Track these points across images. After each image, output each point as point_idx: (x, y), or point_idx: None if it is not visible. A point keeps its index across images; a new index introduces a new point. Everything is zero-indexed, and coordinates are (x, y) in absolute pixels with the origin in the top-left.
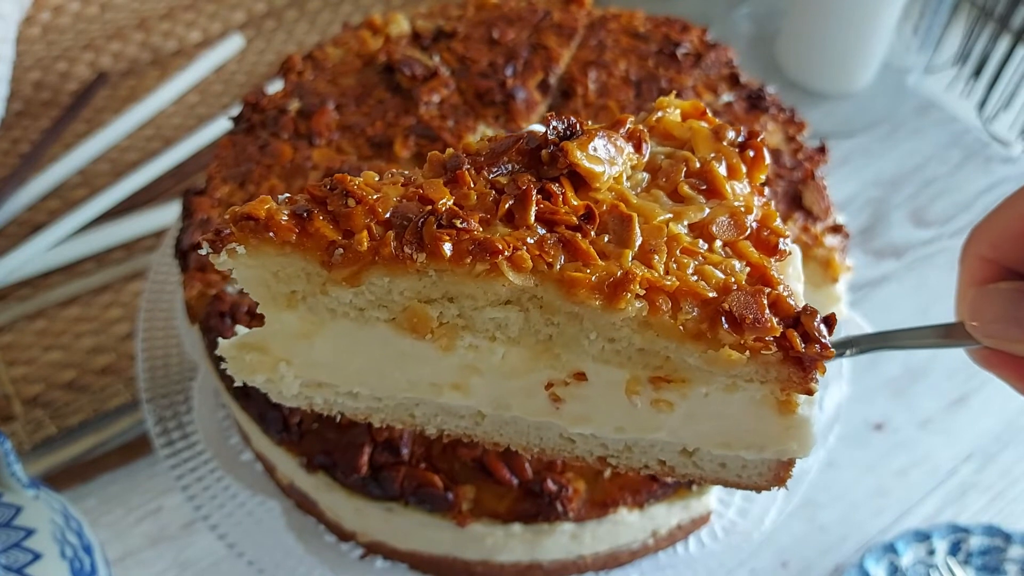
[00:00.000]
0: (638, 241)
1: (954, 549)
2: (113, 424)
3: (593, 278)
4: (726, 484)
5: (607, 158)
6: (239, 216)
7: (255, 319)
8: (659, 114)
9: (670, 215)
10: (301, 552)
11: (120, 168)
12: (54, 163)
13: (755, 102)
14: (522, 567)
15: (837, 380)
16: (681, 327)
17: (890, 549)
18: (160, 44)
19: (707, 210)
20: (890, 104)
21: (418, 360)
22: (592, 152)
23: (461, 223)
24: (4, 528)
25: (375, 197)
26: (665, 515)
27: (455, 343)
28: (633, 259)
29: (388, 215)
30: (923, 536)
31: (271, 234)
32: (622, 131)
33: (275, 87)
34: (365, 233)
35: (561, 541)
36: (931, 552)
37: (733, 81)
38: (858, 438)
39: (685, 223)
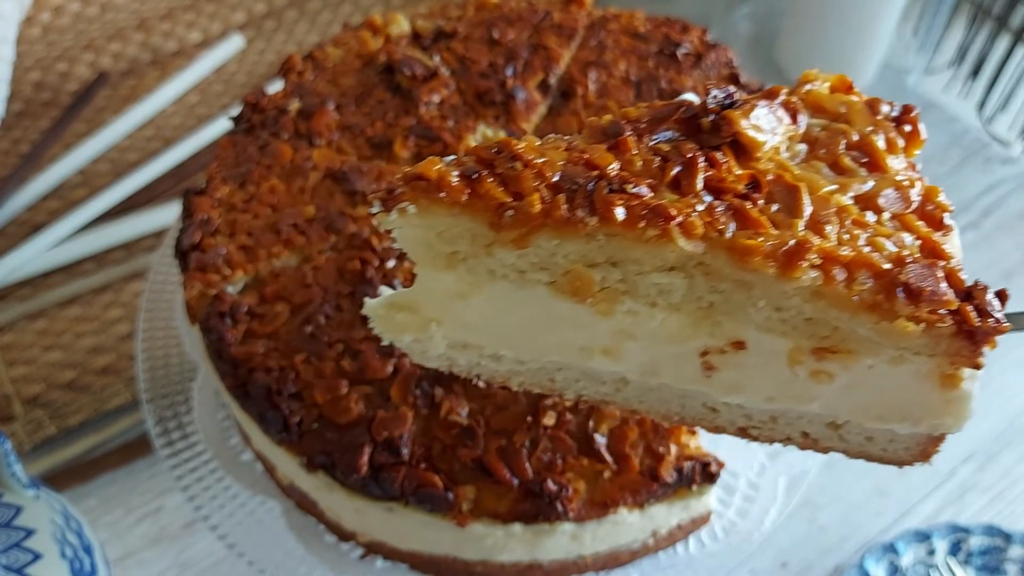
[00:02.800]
0: (807, 211)
1: (954, 549)
2: (113, 424)
3: (767, 246)
4: (868, 458)
5: (768, 128)
6: (411, 176)
7: (256, 318)
8: (808, 87)
9: (835, 186)
10: (301, 552)
11: (120, 168)
12: (54, 163)
13: None
14: (522, 567)
15: None
16: (855, 298)
17: (890, 549)
18: (160, 44)
19: (871, 183)
20: None
21: (572, 324)
22: (754, 121)
23: (632, 188)
24: (4, 528)
25: (541, 161)
26: (665, 515)
27: (614, 308)
28: (804, 228)
29: (556, 179)
30: (923, 536)
31: (442, 194)
32: (776, 102)
33: (275, 87)
34: (537, 196)
35: (561, 541)
36: (931, 552)
37: (733, 81)
38: None
39: (850, 195)
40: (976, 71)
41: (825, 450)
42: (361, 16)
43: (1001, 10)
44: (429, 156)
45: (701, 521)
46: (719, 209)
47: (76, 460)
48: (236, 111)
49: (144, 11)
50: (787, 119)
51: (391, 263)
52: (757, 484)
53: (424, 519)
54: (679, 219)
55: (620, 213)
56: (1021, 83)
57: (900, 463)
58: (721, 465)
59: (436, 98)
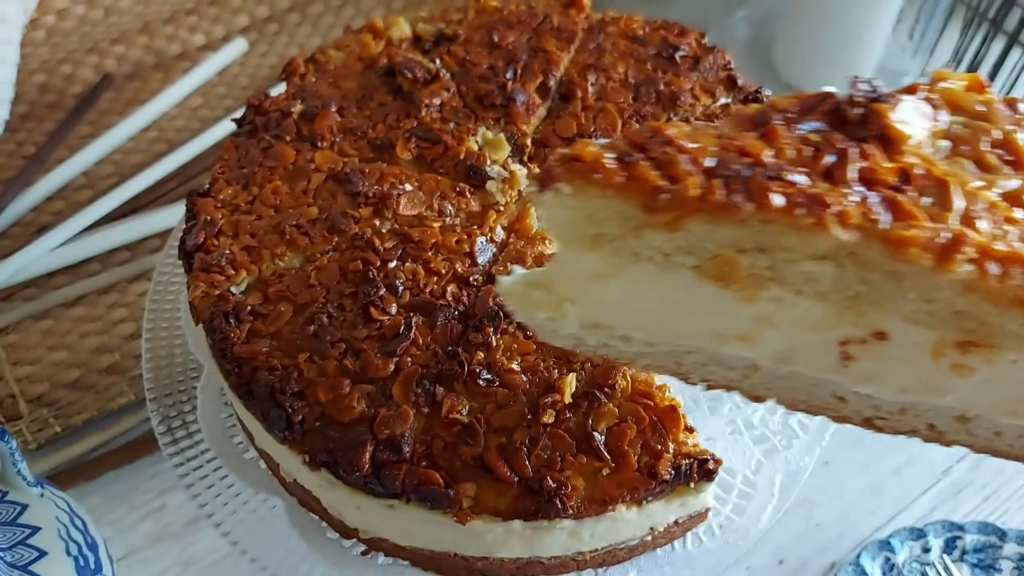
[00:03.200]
0: (958, 205)
1: (949, 546)
2: (117, 423)
3: (923, 238)
4: (993, 453)
5: (913, 123)
6: (567, 157)
7: (258, 318)
8: (942, 84)
9: (982, 183)
10: (304, 549)
11: (124, 170)
12: (59, 165)
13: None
14: (522, 563)
15: None
16: (1009, 293)
17: (886, 546)
18: (163, 47)
19: (1017, 181)
20: None
21: (712, 309)
22: (900, 115)
23: (789, 175)
24: (9, 525)
25: (694, 146)
26: (663, 512)
27: (758, 294)
28: (956, 223)
29: (711, 164)
30: (919, 533)
31: (598, 175)
32: (919, 97)
33: (278, 90)
34: (693, 179)
35: (560, 538)
36: (926, 549)
37: (731, 84)
38: (854, 437)
39: (997, 191)
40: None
41: (949, 443)
42: (362, 19)
43: (996, 13)
44: (430, 158)
45: (699, 518)
46: (873, 200)
47: (80, 458)
48: (239, 113)
49: (147, 14)
50: (930, 115)
51: (392, 264)
52: (754, 482)
53: (425, 516)
54: (836, 208)
55: (778, 200)
56: (1016, 86)
57: None
58: (719, 463)
59: (437, 101)
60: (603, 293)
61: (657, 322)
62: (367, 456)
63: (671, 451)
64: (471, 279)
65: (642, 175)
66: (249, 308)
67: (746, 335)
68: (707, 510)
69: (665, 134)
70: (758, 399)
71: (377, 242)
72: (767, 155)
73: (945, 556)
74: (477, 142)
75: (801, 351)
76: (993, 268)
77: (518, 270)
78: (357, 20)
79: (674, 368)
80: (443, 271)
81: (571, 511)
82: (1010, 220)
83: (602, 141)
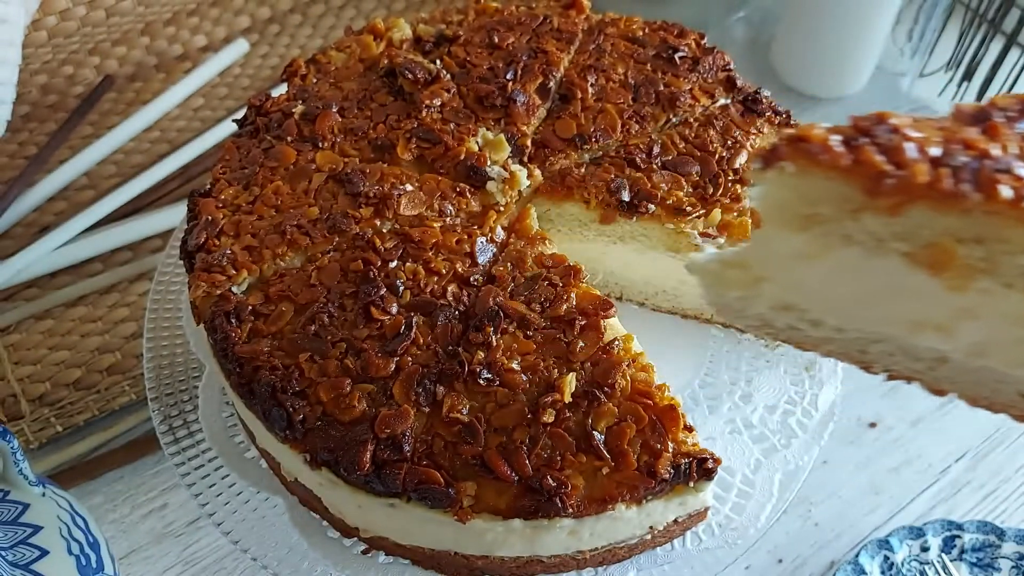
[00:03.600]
0: None
1: (948, 545)
2: (119, 422)
3: None
4: None
5: None
6: (794, 138)
7: (259, 318)
8: None
9: None
10: (305, 548)
11: (126, 170)
12: (61, 165)
13: (751, 105)
14: (522, 562)
15: (832, 379)
16: None
17: (884, 545)
18: (165, 48)
19: None
20: (883, 108)
21: (916, 297)
22: None
23: (1017, 169)
24: (11, 525)
25: (920, 136)
26: (662, 511)
27: (968, 285)
28: None
29: (936, 153)
30: (917, 532)
31: (824, 157)
32: None
33: (279, 91)
34: (920, 167)
35: (560, 536)
36: (925, 548)
37: (729, 85)
38: (852, 436)
39: None
40: (970, 75)
41: None
42: (363, 21)
43: (995, 14)
44: (430, 158)
45: (698, 517)
46: None
47: (82, 458)
48: (240, 114)
49: (149, 16)
50: None
51: (393, 264)
52: (753, 481)
53: (426, 515)
54: None
55: (1006, 192)
56: (1015, 86)
57: None
58: (718, 462)
59: (437, 101)
60: (803, 274)
61: (853, 307)
62: (368, 455)
63: (670, 450)
64: (471, 279)
65: (868, 159)
66: (250, 308)
67: (944, 325)
68: (706, 509)
69: (890, 122)
70: (939, 392)
71: (378, 242)
72: (993, 149)
73: (944, 555)
74: (477, 143)
75: (998, 345)
76: None
77: (710, 248)
78: (358, 21)
79: (858, 356)
80: (444, 271)
81: (571, 510)
82: None
83: (826, 124)
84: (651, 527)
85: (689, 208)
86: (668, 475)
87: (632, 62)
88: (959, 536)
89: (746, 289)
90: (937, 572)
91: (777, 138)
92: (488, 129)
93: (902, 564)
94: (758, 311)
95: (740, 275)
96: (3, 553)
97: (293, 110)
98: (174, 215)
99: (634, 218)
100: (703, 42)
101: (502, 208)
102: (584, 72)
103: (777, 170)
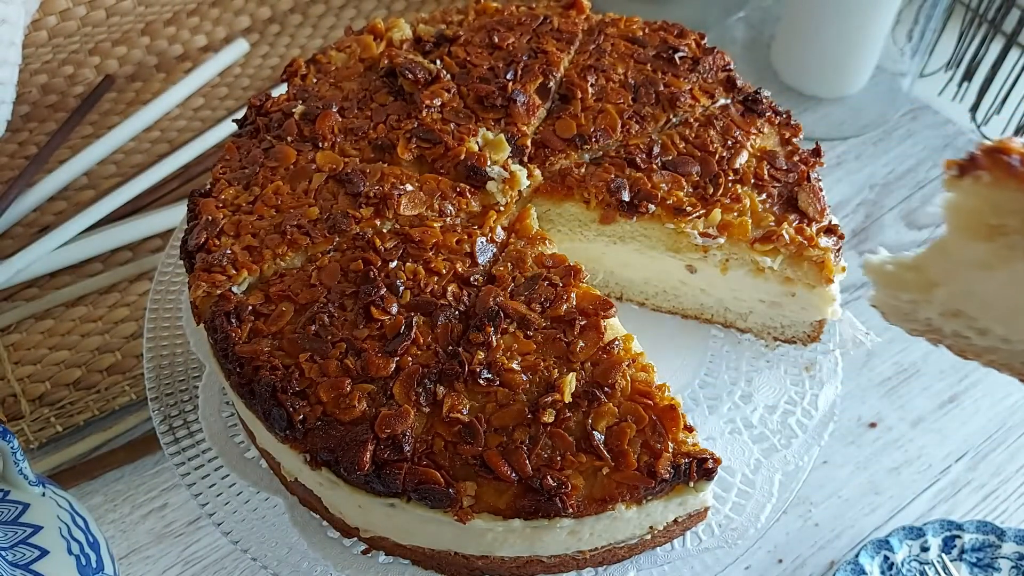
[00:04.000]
0: None
1: (948, 545)
2: (119, 422)
3: None
4: None
5: None
6: (993, 149)
7: (259, 318)
8: None
9: None
10: (305, 548)
11: (126, 170)
12: (61, 165)
13: (751, 105)
14: (522, 562)
15: (831, 379)
16: None
17: (884, 545)
18: (165, 49)
19: None
20: (884, 108)
21: None
22: None
23: None
24: (11, 525)
25: None
26: (662, 511)
27: None
28: None
29: None
30: (917, 532)
31: (1022, 170)
32: None
33: (279, 91)
34: None
35: (560, 536)
36: (925, 548)
37: (729, 85)
38: (852, 436)
39: None
40: (970, 74)
41: None
42: (363, 21)
43: (995, 14)
44: (431, 158)
45: (698, 517)
46: None
47: (82, 458)
48: (240, 114)
49: (149, 16)
50: None
51: (393, 264)
52: (753, 481)
53: (426, 515)
54: None
55: None
56: (1015, 86)
57: None
58: (718, 462)
59: (438, 101)
60: (980, 283)
61: None
62: (368, 455)
63: (670, 450)
64: (471, 279)
65: None
66: (250, 308)
67: None
68: (706, 509)
69: None
70: None
71: (378, 242)
72: None
73: (944, 555)
74: (477, 143)
75: None
76: None
77: (884, 251)
78: (358, 21)
79: (1019, 368)
80: (444, 271)
81: (571, 510)
82: None
83: (1021, 140)
84: (651, 527)
85: (689, 208)
86: (668, 475)
87: (632, 62)
88: (959, 536)
89: (920, 293)
90: (937, 572)
91: (976, 148)
92: (488, 129)
93: (902, 564)
94: (927, 316)
95: (916, 278)
96: (3, 553)
97: (293, 110)
98: (174, 215)
99: (634, 218)
100: (703, 42)
101: (502, 208)
102: (584, 72)
103: (973, 179)
